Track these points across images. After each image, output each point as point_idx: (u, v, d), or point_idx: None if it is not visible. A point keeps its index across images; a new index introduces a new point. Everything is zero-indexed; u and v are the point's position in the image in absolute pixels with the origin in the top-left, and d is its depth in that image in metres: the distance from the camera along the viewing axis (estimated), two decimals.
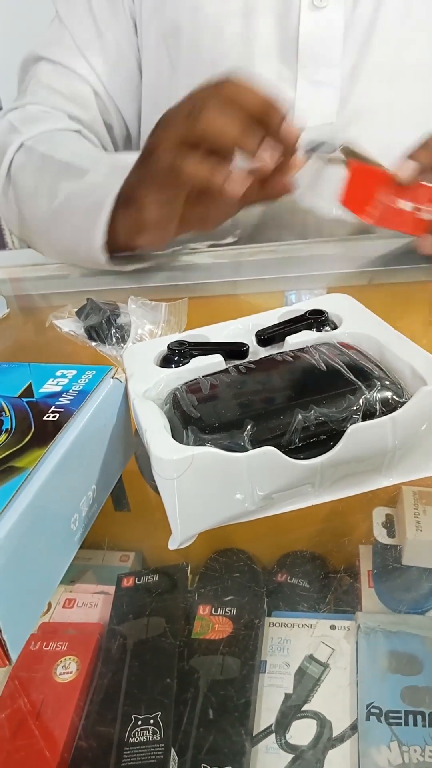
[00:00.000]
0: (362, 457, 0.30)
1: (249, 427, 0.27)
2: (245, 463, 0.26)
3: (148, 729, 0.38)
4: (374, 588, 0.46)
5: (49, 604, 0.48)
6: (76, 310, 0.41)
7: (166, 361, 0.34)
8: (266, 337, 0.35)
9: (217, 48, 0.65)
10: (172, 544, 0.28)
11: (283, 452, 0.26)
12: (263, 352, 0.34)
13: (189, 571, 0.50)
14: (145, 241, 0.53)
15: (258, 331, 0.34)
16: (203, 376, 0.32)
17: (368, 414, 0.28)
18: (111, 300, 0.41)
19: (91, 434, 0.26)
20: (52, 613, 0.47)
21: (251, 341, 0.35)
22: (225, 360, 0.34)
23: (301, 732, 0.39)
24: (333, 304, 0.36)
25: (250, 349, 0.34)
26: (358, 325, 0.34)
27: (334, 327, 0.36)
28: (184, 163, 0.48)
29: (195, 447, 0.26)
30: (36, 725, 0.39)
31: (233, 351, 0.34)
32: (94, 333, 0.38)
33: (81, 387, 0.27)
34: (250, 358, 0.34)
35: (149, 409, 0.29)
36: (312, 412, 0.27)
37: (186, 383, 0.32)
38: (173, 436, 0.28)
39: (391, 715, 0.38)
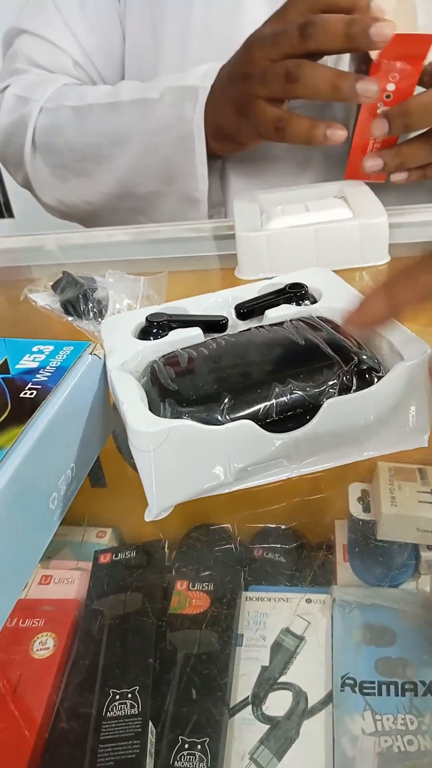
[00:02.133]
0: (338, 431, 0.30)
1: (226, 400, 0.26)
2: (222, 436, 0.26)
3: (125, 703, 0.38)
4: (349, 562, 0.47)
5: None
6: (51, 283, 0.40)
7: (144, 334, 0.34)
8: (245, 311, 0.35)
9: (206, 18, 0.63)
10: (148, 516, 0.27)
11: (259, 425, 0.26)
12: (242, 326, 0.34)
13: (166, 546, 0.50)
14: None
15: (237, 305, 0.34)
16: (181, 349, 0.31)
17: (345, 388, 0.28)
18: (88, 273, 0.40)
19: (70, 412, 0.25)
20: (28, 589, 0.47)
21: (230, 314, 0.34)
22: (204, 333, 0.33)
23: (277, 703, 0.40)
24: (313, 278, 0.35)
25: (230, 323, 0.34)
26: (337, 299, 0.34)
27: (314, 301, 0.35)
28: (290, 121, 0.47)
29: (172, 420, 0.26)
30: (13, 702, 0.39)
31: (212, 324, 0.34)
32: (71, 307, 0.37)
33: (59, 363, 0.27)
34: (229, 331, 0.34)
35: (126, 381, 0.29)
36: (289, 386, 0.27)
37: (164, 356, 0.31)
38: (150, 409, 0.28)
39: (365, 685, 0.39)
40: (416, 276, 0.29)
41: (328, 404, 0.27)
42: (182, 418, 0.26)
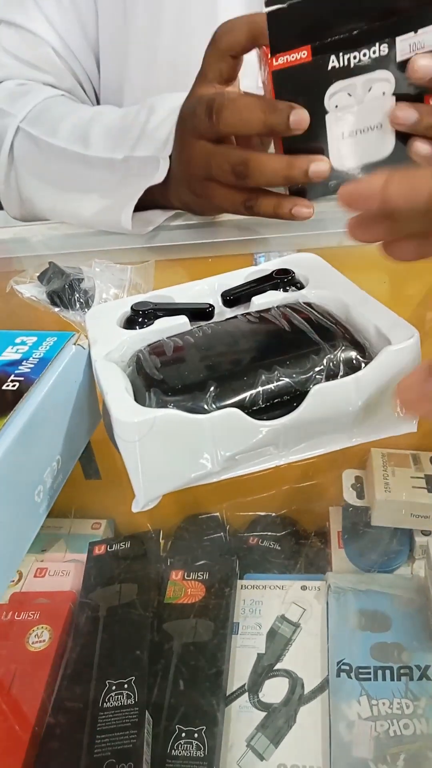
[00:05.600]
0: (326, 418, 0.30)
1: (212, 388, 0.26)
2: (208, 424, 0.25)
3: (122, 693, 0.38)
4: (344, 549, 0.47)
5: (20, 574, 0.48)
6: (38, 274, 0.40)
7: (130, 323, 0.33)
8: (232, 298, 0.34)
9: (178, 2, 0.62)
10: (136, 507, 0.27)
11: (246, 413, 0.26)
12: (229, 313, 0.34)
13: (161, 537, 0.50)
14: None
15: (224, 292, 0.34)
16: (167, 338, 0.31)
17: (332, 374, 0.28)
18: (74, 264, 0.40)
19: (54, 403, 0.25)
20: (23, 582, 0.47)
21: (217, 302, 0.34)
22: (190, 321, 0.33)
23: (274, 690, 0.40)
24: (300, 263, 0.35)
25: (216, 310, 0.33)
26: (324, 285, 0.34)
27: (301, 287, 0.35)
28: (257, 201, 0.46)
29: (157, 409, 0.25)
30: (9, 695, 0.39)
31: (198, 312, 0.33)
32: (57, 298, 0.37)
33: (42, 354, 0.26)
34: (216, 319, 0.34)
35: (111, 371, 0.28)
36: (275, 373, 0.27)
37: (149, 345, 0.31)
38: (136, 399, 0.28)
39: (360, 671, 0.39)
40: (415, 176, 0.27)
41: (315, 390, 0.26)
42: (168, 407, 0.25)
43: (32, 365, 0.25)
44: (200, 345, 0.29)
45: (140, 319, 0.33)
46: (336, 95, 0.44)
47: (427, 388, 0.24)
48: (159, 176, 0.51)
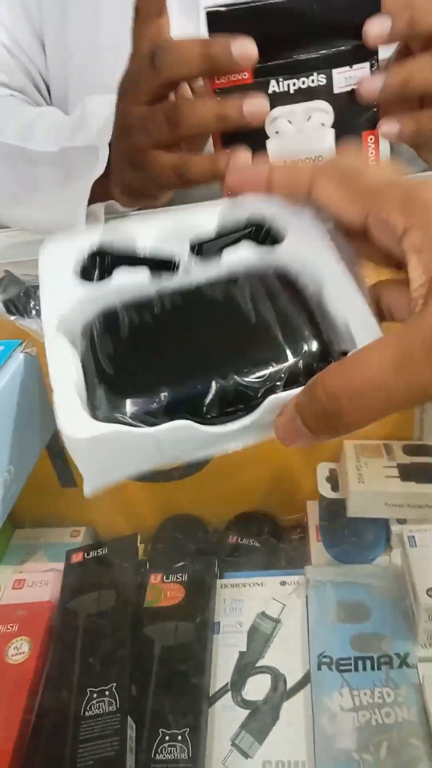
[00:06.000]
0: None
1: (163, 396, 0.25)
2: (156, 437, 0.25)
3: (104, 701, 0.38)
4: (322, 541, 0.47)
5: None
6: None
7: (86, 273, 0.30)
8: (201, 250, 0.31)
9: None
10: (86, 491, 0.26)
11: (198, 422, 0.25)
12: (195, 266, 0.31)
13: (139, 541, 0.49)
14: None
15: (192, 241, 0.31)
16: (123, 306, 0.29)
17: (290, 381, 0.27)
18: (30, 271, 0.39)
19: (1, 413, 0.25)
20: (1, 595, 0.47)
21: (184, 247, 0.31)
22: (152, 272, 0.30)
23: (257, 688, 0.40)
24: (279, 207, 0.32)
25: (183, 261, 0.31)
26: (303, 244, 0.31)
27: (277, 240, 0.32)
28: (188, 164, 0.44)
29: (100, 424, 0.24)
30: None
31: (162, 266, 0.31)
32: (13, 306, 0.36)
33: None
34: (182, 270, 0.31)
35: (61, 355, 0.27)
36: (231, 382, 0.26)
37: (104, 315, 0.29)
38: (87, 388, 0.26)
39: (341, 662, 0.39)
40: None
41: (269, 401, 0.26)
42: (116, 413, 0.25)
43: None
44: (156, 328, 0.27)
45: (97, 271, 0.30)
46: (276, 121, 0.44)
47: (297, 427, 0.25)
48: (100, 166, 0.50)
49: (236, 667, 0.41)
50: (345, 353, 0.28)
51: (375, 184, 0.27)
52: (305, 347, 0.27)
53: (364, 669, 0.39)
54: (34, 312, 0.36)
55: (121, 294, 0.29)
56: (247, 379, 0.26)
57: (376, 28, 0.41)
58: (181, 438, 0.25)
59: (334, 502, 0.47)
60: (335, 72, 0.43)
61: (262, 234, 0.32)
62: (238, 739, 0.38)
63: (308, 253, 0.31)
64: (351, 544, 0.46)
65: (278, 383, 0.26)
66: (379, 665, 0.39)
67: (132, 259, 0.31)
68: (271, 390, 0.26)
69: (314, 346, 0.27)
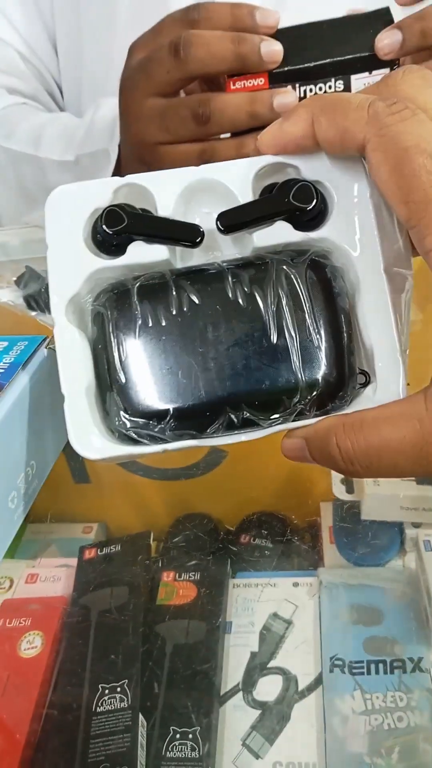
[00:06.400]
0: None
1: (172, 420, 0.25)
2: (162, 452, 0.25)
3: (115, 697, 0.38)
4: (335, 543, 0.47)
5: (11, 581, 0.48)
6: (14, 278, 0.40)
7: (98, 242, 0.27)
8: (229, 225, 0.26)
9: None
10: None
11: (202, 438, 0.25)
12: (223, 241, 0.27)
13: (152, 538, 0.49)
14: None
15: (221, 214, 0.26)
16: (138, 294, 0.25)
17: (300, 413, 0.26)
18: None
19: (25, 408, 0.25)
20: (14, 589, 0.47)
21: (211, 217, 0.27)
22: (171, 245, 0.27)
23: (268, 688, 0.40)
24: (334, 169, 0.27)
25: (207, 233, 0.27)
26: (350, 229, 0.26)
27: (320, 219, 0.27)
28: (216, 152, 0.42)
29: (111, 446, 0.24)
30: (2, 703, 0.39)
31: (184, 234, 0.27)
32: (33, 302, 0.37)
33: (12, 359, 0.26)
34: (203, 252, 0.28)
35: (71, 353, 0.25)
36: (242, 412, 0.25)
37: (117, 302, 0.26)
38: (98, 386, 0.25)
39: (354, 665, 0.39)
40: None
41: (275, 429, 0.25)
42: (126, 426, 0.25)
43: (2, 370, 0.25)
44: (172, 331, 0.26)
45: (110, 238, 0.26)
46: None
47: (303, 454, 0.25)
48: (111, 166, 0.49)
49: (248, 667, 0.41)
50: (364, 373, 0.27)
51: (429, 194, 0.22)
52: (321, 381, 0.25)
53: (377, 672, 0.39)
54: None
55: (136, 271, 0.27)
56: (258, 412, 0.25)
57: (387, 40, 0.41)
58: (186, 450, 0.25)
59: (348, 505, 0.47)
60: (354, 78, 0.43)
61: (304, 209, 0.27)
62: (249, 739, 0.38)
63: (351, 247, 0.27)
64: (364, 546, 0.46)
65: (288, 417, 0.25)
66: (392, 669, 0.39)
67: (150, 226, 0.27)
68: (280, 422, 0.25)
69: (332, 378, 0.25)
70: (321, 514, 0.50)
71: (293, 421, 0.25)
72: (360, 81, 0.43)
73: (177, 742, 0.37)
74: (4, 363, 0.26)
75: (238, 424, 0.25)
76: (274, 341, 0.26)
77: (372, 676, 0.38)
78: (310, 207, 0.27)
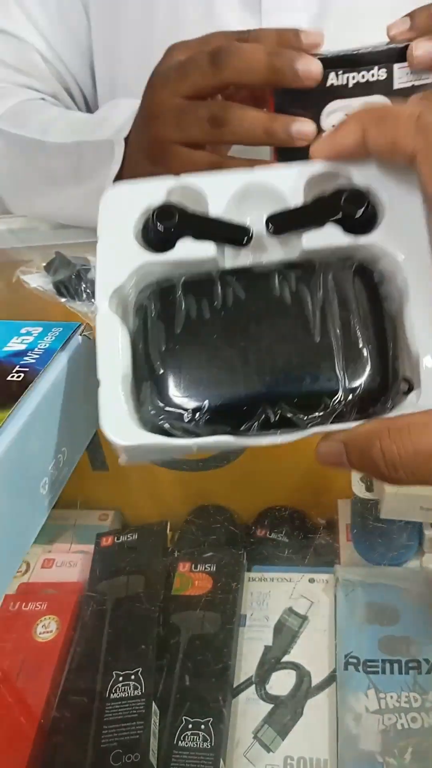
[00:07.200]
0: None
1: (208, 412, 0.25)
2: (195, 447, 0.24)
3: (129, 684, 0.38)
4: (353, 541, 0.47)
5: (28, 564, 0.48)
6: (44, 264, 0.39)
7: (148, 237, 0.27)
8: (279, 226, 0.27)
9: (172, 2, 0.61)
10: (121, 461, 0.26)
11: (236, 434, 0.24)
12: (269, 244, 0.28)
13: (168, 528, 0.49)
14: None
15: (270, 216, 0.27)
16: (183, 288, 0.26)
17: (338, 415, 0.24)
18: (81, 254, 0.39)
19: (59, 394, 0.25)
20: (30, 573, 0.47)
21: (261, 219, 0.27)
22: (221, 243, 0.27)
23: (281, 682, 0.40)
24: (383, 175, 0.27)
25: (255, 235, 0.27)
26: (399, 236, 0.27)
27: (371, 225, 0.27)
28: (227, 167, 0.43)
29: (142, 433, 0.24)
30: (17, 684, 0.39)
31: (233, 235, 0.27)
32: (64, 288, 0.36)
33: (47, 345, 0.26)
34: (254, 247, 0.28)
35: (111, 341, 0.25)
36: (279, 409, 0.25)
37: (160, 295, 0.26)
38: (134, 376, 0.25)
39: (368, 664, 0.39)
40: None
41: (311, 431, 0.25)
42: (160, 416, 0.24)
43: (37, 356, 0.25)
44: (213, 325, 0.26)
45: (160, 235, 0.27)
46: (333, 114, 0.43)
47: (341, 459, 0.23)
48: (116, 161, 0.49)
49: (261, 661, 0.41)
50: (407, 381, 0.26)
51: None
52: (364, 384, 0.25)
53: (392, 672, 0.38)
54: (84, 295, 0.36)
55: (183, 268, 0.27)
56: (295, 410, 0.24)
57: (397, 24, 0.41)
58: (219, 447, 0.24)
59: (367, 503, 0.47)
60: (396, 67, 0.42)
61: (354, 213, 0.27)
62: (261, 732, 0.38)
63: (400, 253, 0.27)
64: (382, 545, 0.46)
65: (326, 419, 0.24)
66: (407, 669, 0.38)
67: (200, 224, 0.28)
68: (318, 423, 0.25)
69: (375, 382, 0.25)
70: (339, 512, 0.50)
71: (332, 423, 0.24)
72: (403, 70, 0.43)
73: (189, 732, 0.37)
74: (40, 348, 0.25)
75: (274, 423, 0.24)
76: (318, 340, 0.26)
77: (386, 676, 0.38)
78: (361, 211, 0.27)
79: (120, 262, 0.27)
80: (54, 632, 0.42)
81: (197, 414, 0.24)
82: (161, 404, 0.24)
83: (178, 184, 0.29)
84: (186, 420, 0.24)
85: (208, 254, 0.27)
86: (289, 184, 0.28)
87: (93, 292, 0.33)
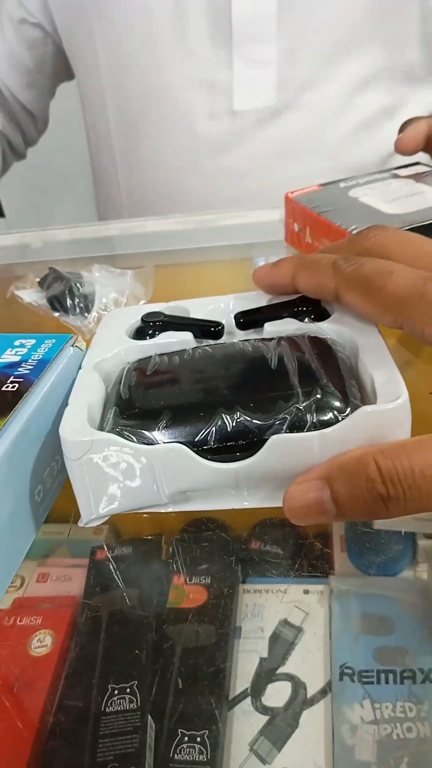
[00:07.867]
0: (284, 471, 0.26)
1: (164, 420, 0.25)
2: (149, 456, 0.24)
3: (124, 698, 0.38)
4: (347, 552, 0.47)
5: (23, 579, 0.48)
6: (38, 279, 0.40)
7: (138, 333, 0.33)
8: (244, 321, 0.32)
9: (146, 31, 0.62)
10: (81, 522, 0.26)
11: (196, 451, 0.24)
12: (239, 336, 0.32)
13: (163, 541, 0.50)
14: None
15: (237, 313, 0.32)
16: (159, 355, 0.30)
17: (298, 425, 0.25)
18: (74, 269, 0.40)
19: (53, 403, 0.25)
20: (25, 588, 0.47)
21: (230, 319, 0.33)
22: (197, 338, 0.32)
23: (276, 694, 0.40)
24: None
25: (227, 330, 0.32)
26: (346, 319, 0.31)
27: (324, 317, 0.32)
28: None
29: (97, 432, 0.24)
30: (12, 700, 0.39)
31: (206, 330, 0.32)
32: (57, 303, 0.37)
33: (40, 356, 0.26)
34: (225, 339, 0.32)
35: (87, 381, 0.27)
36: (235, 413, 0.25)
37: (139, 360, 0.30)
38: (102, 409, 0.27)
39: (363, 674, 0.39)
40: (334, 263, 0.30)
41: (272, 441, 0.25)
42: (119, 430, 0.25)
43: (31, 366, 0.26)
44: (179, 368, 0.28)
45: (148, 331, 0.32)
46: None
47: (321, 500, 0.22)
48: None
49: (256, 673, 0.41)
50: (362, 394, 0.28)
51: (400, 295, 0.26)
52: (318, 392, 0.26)
53: (387, 682, 0.39)
54: (77, 310, 0.37)
55: (163, 348, 0.31)
56: (251, 413, 0.25)
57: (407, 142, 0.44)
58: (175, 463, 0.24)
59: None
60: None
61: (308, 311, 0.32)
62: (257, 744, 0.38)
63: (354, 326, 0.30)
64: (376, 556, 0.46)
65: (283, 424, 0.25)
66: (402, 679, 0.39)
67: (180, 323, 0.33)
68: (276, 431, 0.25)
69: (331, 392, 0.26)
70: (332, 523, 0.50)
71: (288, 432, 0.25)
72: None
73: (185, 745, 0.37)
74: (33, 359, 0.26)
75: (231, 433, 0.25)
76: (273, 369, 0.28)
77: (382, 686, 0.38)
78: (315, 308, 0.33)
79: (107, 348, 0.31)
80: (49, 646, 0.42)
81: (155, 423, 0.25)
82: (120, 419, 0.25)
83: (167, 307, 0.35)
84: (143, 428, 0.25)
85: (185, 338, 0.32)
86: (256, 299, 0.34)
87: (86, 306, 0.35)
